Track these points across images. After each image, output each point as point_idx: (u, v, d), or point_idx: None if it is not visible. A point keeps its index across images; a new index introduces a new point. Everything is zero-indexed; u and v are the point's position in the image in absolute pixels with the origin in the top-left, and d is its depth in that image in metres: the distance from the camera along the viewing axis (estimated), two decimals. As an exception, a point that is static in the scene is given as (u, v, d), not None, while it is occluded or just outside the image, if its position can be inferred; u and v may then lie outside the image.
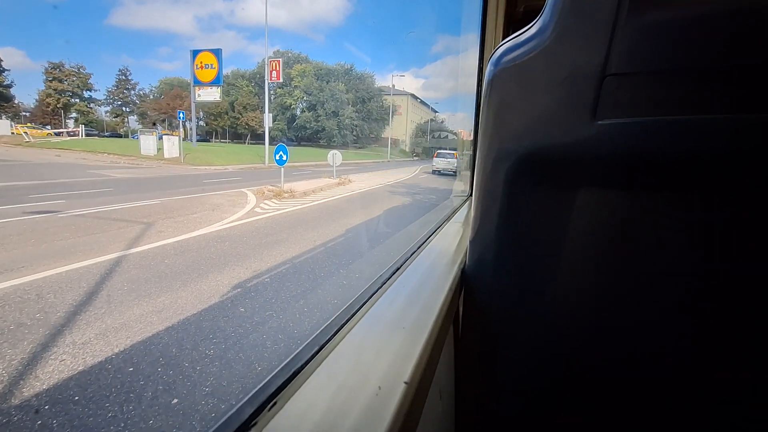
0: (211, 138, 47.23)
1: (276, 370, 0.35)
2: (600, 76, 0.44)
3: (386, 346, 0.41)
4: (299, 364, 0.36)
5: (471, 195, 1.07)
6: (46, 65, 41.54)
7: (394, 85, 53.57)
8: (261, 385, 0.33)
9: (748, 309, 0.45)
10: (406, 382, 0.34)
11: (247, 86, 47.47)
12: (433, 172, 20.92)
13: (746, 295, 0.45)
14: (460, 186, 2.43)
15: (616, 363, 0.53)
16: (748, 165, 0.42)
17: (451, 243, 0.87)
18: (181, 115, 24.40)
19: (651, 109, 0.43)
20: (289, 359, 0.37)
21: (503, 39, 0.54)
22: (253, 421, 0.29)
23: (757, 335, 0.45)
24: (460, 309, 0.68)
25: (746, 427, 0.48)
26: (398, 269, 0.68)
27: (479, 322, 0.62)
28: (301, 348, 0.39)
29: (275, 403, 0.31)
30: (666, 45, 0.41)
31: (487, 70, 0.55)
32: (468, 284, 0.65)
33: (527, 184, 0.53)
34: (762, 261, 0.43)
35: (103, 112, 47.52)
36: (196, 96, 29.95)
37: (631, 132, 0.44)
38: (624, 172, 0.47)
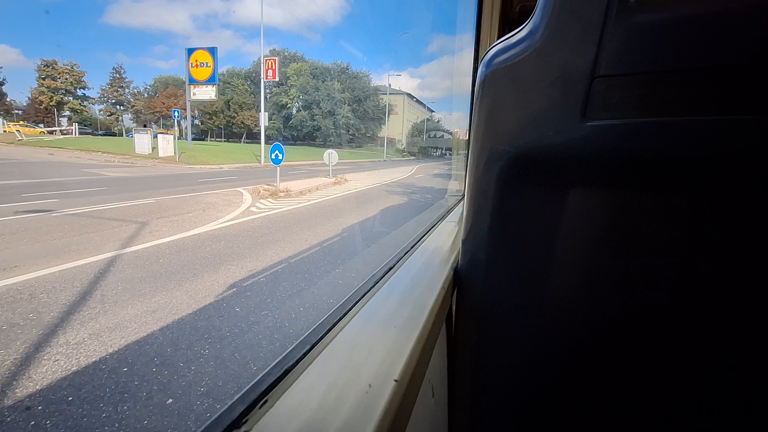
0: (207, 137, 46.86)
1: (267, 369, 0.35)
2: (590, 77, 0.44)
3: (378, 345, 0.41)
4: (291, 363, 0.36)
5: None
6: (39, 63, 41.11)
7: (390, 85, 53.70)
8: (252, 383, 0.33)
9: (737, 307, 0.46)
10: (396, 380, 0.35)
11: (243, 85, 47.17)
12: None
13: (735, 293, 0.46)
14: (455, 186, 2.43)
15: (608, 361, 0.53)
16: (736, 166, 0.42)
17: (444, 242, 0.88)
18: (176, 113, 24.21)
19: (640, 110, 0.43)
20: (280, 357, 0.37)
21: (498, 39, 0.54)
22: (244, 419, 0.30)
23: (748, 333, 0.46)
24: (453, 307, 0.69)
25: (742, 422, 0.49)
26: (391, 268, 0.68)
27: (472, 320, 0.63)
28: (293, 346, 0.39)
29: (266, 401, 0.32)
30: (655, 46, 0.42)
31: (480, 71, 0.55)
32: (461, 283, 0.65)
33: (519, 183, 0.53)
34: (750, 260, 0.44)
35: (97, 111, 47.09)
36: (192, 94, 29.72)
37: (621, 132, 0.44)
38: (614, 173, 0.47)
